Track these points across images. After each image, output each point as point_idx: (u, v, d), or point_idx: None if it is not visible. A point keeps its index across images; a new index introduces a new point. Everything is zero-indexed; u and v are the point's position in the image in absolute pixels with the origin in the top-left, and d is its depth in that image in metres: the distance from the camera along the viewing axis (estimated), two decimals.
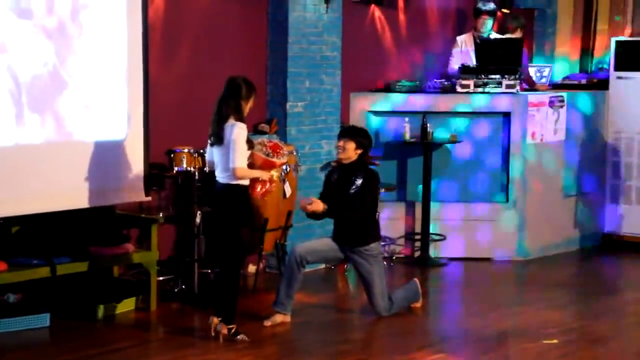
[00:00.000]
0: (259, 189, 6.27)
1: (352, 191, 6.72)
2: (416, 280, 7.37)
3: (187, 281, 7.43)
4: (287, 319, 6.84)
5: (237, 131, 6.09)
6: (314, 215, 6.82)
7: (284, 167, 7.62)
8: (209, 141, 6.28)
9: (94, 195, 6.81)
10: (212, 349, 6.22)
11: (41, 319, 6.61)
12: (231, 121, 6.13)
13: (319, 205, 6.68)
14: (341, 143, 6.75)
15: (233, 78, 6.27)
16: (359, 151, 6.76)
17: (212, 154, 6.31)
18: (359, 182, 6.73)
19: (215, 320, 6.32)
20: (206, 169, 7.10)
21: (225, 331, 6.31)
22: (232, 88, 6.20)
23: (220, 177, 6.23)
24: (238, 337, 6.32)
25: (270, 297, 7.52)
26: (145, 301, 7.11)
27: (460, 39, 9.57)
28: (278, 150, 6.42)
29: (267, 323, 6.80)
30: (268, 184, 6.29)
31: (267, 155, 6.35)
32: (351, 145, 6.73)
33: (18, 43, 6.39)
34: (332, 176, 6.91)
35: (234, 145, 6.07)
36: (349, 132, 6.81)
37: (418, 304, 7.25)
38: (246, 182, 6.22)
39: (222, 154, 6.16)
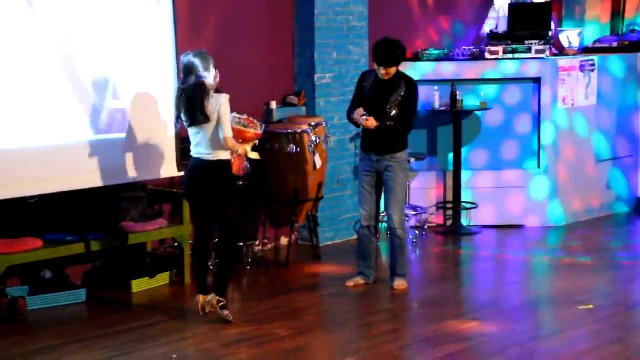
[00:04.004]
0: (237, 165, 6.25)
1: (394, 99, 6.69)
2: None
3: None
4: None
5: (226, 102, 6.08)
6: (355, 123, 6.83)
7: (314, 138, 7.68)
8: (186, 123, 6.16)
9: (127, 171, 6.85)
10: (247, 322, 6.27)
11: (78, 295, 6.70)
12: (212, 94, 6.10)
13: (373, 122, 6.65)
14: (384, 72, 6.70)
15: (186, 58, 6.12)
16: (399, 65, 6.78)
17: (193, 135, 6.20)
18: (401, 91, 6.73)
19: (215, 296, 6.28)
20: None
21: (215, 301, 6.26)
22: (189, 68, 6.08)
23: (205, 153, 6.15)
24: (224, 311, 6.27)
25: (303, 268, 7.63)
26: (179, 275, 7.16)
27: (498, 1, 9.46)
28: (253, 124, 6.40)
29: (350, 283, 6.99)
30: (244, 160, 6.27)
31: (245, 126, 6.32)
32: (394, 69, 6.73)
33: (56, 35, 6.46)
34: (365, 82, 6.86)
35: (223, 117, 6.06)
36: (391, 61, 6.68)
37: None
38: (229, 157, 6.21)
39: (208, 128, 6.10)
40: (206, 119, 6.08)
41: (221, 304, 6.27)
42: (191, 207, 6.44)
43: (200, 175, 6.21)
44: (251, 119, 6.47)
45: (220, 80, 7.80)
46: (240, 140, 6.27)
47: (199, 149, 6.20)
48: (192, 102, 6.09)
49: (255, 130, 6.40)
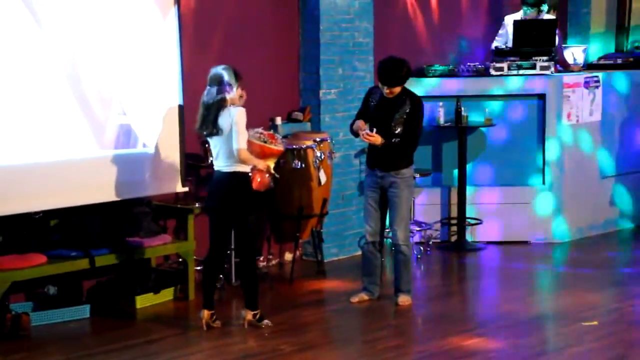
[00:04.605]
0: (257, 180, 6.26)
1: (399, 116, 6.68)
2: None
3: (224, 271, 7.44)
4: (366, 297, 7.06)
5: (239, 113, 6.13)
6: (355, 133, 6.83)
7: (319, 154, 7.68)
8: (204, 133, 6.28)
9: (131, 187, 6.85)
10: (251, 337, 6.25)
11: (81, 311, 6.68)
12: (229, 107, 6.17)
13: (377, 139, 6.64)
14: (388, 91, 6.69)
15: (214, 70, 6.25)
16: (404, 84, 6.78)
17: (213, 147, 6.31)
18: (406, 108, 6.71)
19: (248, 312, 6.39)
20: None
21: (250, 317, 6.37)
22: (214, 79, 6.21)
23: (223, 165, 6.24)
24: (263, 322, 6.39)
25: (307, 283, 7.63)
26: (183, 291, 7.14)
27: (508, 18, 9.47)
28: (274, 140, 6.46)
29: (354, 299, 6.96)
30: (266, 175, 6.28)
31: (265, 142, 6.36)
32: (398, 88, 6.72)
33: (61, 50, 6.48)
34: (371, 98, 6.85)
35: (237, 127, 6.11)
36: (395, 81, 6.66)
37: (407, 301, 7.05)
38: (248, 169, 6.25)
39: (224, 141, 6.18)
40: (218, 131, 6.14)
41: (257, 316, 6.38)
42: (209, 220, 6.47)
43: (217, 187, 6.27)
44: (274, 134, 6.52)
45: None
46: (262, 156, 6.30)
47: (218, 161, 6.27)
48: (208, 113, 6.17)
49: (276, 146, 6.42)
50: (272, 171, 6.35)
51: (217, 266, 6.45)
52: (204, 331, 6.35)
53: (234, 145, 6.13)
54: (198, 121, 6.27)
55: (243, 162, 6.18)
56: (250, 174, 6.27)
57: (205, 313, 6.36)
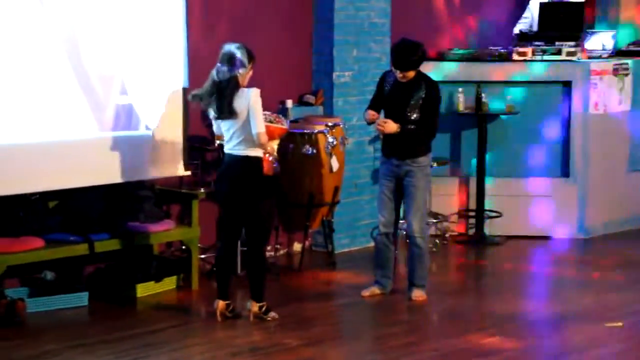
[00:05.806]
0: (268, 163, 6.18)
1: (414, 102, 6.54)
2: None
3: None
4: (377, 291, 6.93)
5: (256, 95, 6.04)
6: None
7: (331, 139, 7.62)
8: (213, 115, 6.14)
9: (132, 169, 6.79)
10: (256, 330, 6.17)
11: (79, 298, 6.60)
12: (242, 89, 6.06)
13: (392, 127, 6.52)
14: (400, 75, 6.56)
15: (228, 47, 6.11)
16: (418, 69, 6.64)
17: (220, 128, 6.20)
18: (421, 93, 6.58)
19: (254, 304, 6.30)
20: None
21: (256, 309, 6.28)
22: (226, 58, 6.07)
23: (236, 149, 6.12)
24: (270, 314, 6.30)
25: (317, 275, 7.58)
26: (186, 280, 7.07)
27: (533, 2, 9.38)
28: (278, 119, 6.45)
29: (366, 293, 6.85)
30: (270, 157, 6.20)
31: (271, 122, 6.33)
32: (412, 73, 6.57)
33: (62, 27, 6.40)
34: (385, 83, 6.73)
35: (255, 111, 6.01)
36: (407, 65, 6.51)
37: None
38: (261, 153, 6.14)
39: (240, 124, 6.06)
40: (232, 114, 6.03)
41: (263, 308, 6.30)
42: (220, 207, 6.41)
43: (229, 171, 6.18)
44: (275, 114, 6.48)
45: None
46: (269, 137, 6.21)
47: (230, 144, 6.17)
48: (221, 95, 6.04)
49: (282, 125, 6.41)
50: (275, 153, 6.28)
51: (231, 255, 6.42)
52: (205, 322, 6.28)
53: (253, 130, 6.03)
54: (205, 99, 6.08)
55: (262, 145, 6.08)
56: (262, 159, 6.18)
57: (220, 304, 6.29)
